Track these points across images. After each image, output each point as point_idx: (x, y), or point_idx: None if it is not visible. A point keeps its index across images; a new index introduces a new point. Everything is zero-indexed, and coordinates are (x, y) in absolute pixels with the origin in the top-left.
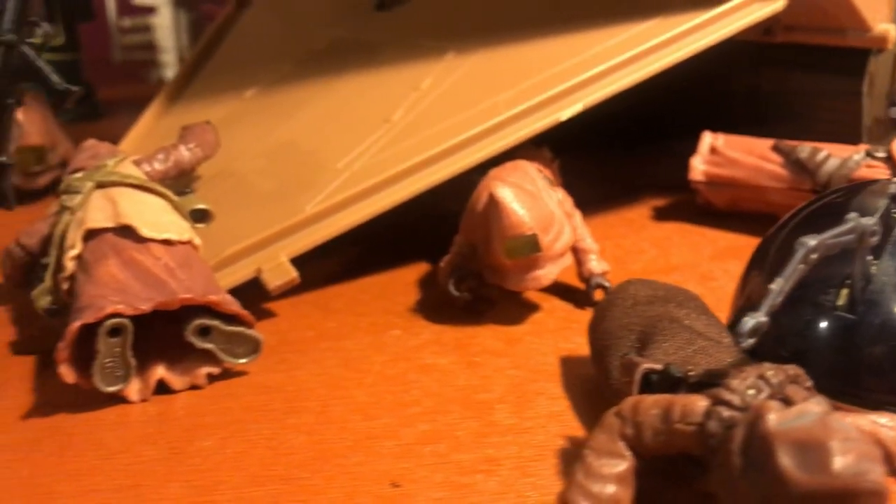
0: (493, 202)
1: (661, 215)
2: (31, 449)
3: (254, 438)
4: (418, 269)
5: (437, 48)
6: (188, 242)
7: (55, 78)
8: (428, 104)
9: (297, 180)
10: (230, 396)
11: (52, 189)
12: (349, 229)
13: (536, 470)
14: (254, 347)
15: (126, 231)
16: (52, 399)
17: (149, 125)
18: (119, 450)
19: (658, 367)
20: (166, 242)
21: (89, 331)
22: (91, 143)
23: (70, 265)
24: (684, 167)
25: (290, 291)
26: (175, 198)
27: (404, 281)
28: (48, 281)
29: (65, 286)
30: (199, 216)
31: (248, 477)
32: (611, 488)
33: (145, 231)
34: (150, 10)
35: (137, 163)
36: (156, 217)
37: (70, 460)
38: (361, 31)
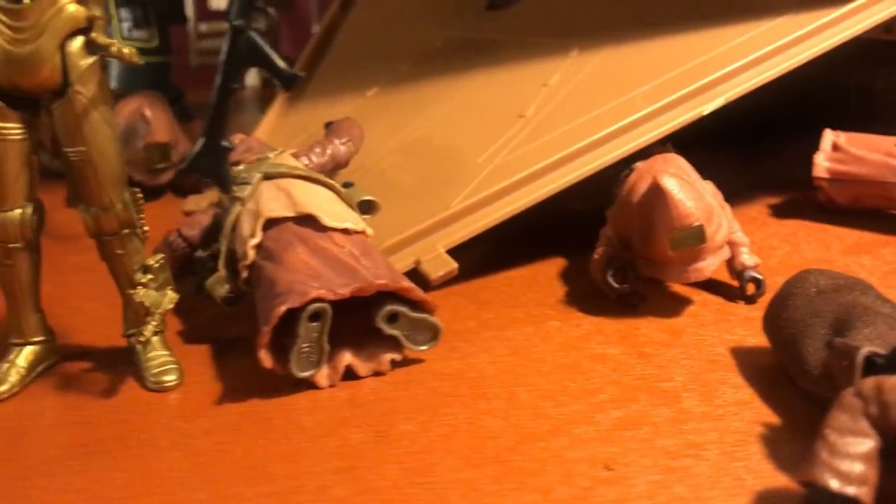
0: (659, 193)
1: (782, 212)
2: (236, 432)
3: (453, 422)
4: (555, 264)
5: (560, 45)
6: (362, 232)
7: (282, 63)
8: (560, 100)
9: (438, 175)
10: (414, 382)
11: (174, 185)
12: (498, 223)
13: (744, 455)
14: (433, 334)
15: (307, 220)
16: (238, 385)
17: (273, 123)
18: (323, 433)
19: (881, 350)
20: (345, 231)
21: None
22: (240, 137)
23: (251, 253)
24: (799, 164)
25: (439, 284)
26: (342, 189)
27: (546, 274)
28: (222, 270)
29: (244, 274)
30: (366, 207)
31: (461, 459)
32: (859, 466)
33: (327, 220)
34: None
35: (296, 156)
36: (331, 207)
37: (278, 443)
38: (475, 30)
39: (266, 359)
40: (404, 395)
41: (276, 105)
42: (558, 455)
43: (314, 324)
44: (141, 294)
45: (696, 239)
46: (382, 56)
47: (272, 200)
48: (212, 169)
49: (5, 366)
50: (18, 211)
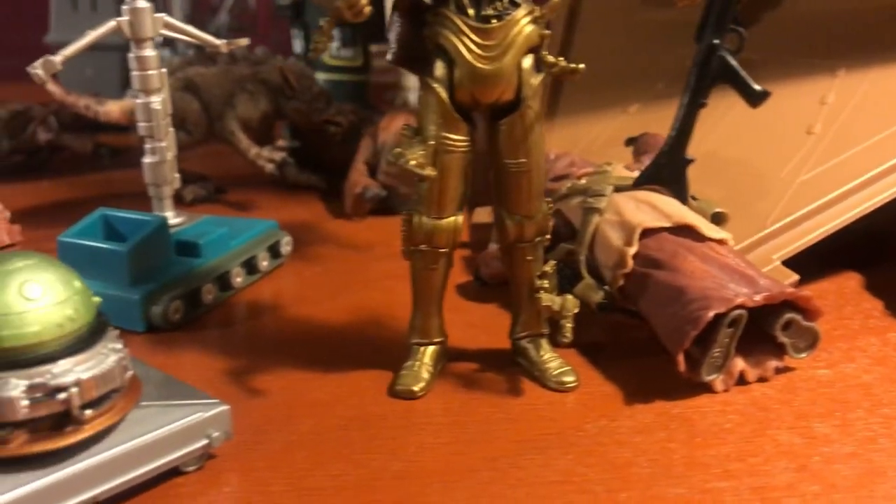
0: None
1: None
2: (667, 431)
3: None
4: (855, 279)
5: (823, 65)
6: (728, 242)
7: (752, 82)
8: (845, 119)
9: (745, 189)
10: (797, 390)
11: None
12: (818, 240)
13: None
14: (813, 342)
15: (683, 231)
16: (633, 386)
17: None
18: (750, 434)
19: None
20: (720, 242)
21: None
22: (556, 152)
23: (631, 262)
24: None
25: None
26: (692, 201)
27: (852, 289)
28: (587, 277)
29: (620, 282)
30: (717, 219)
31: None
32: None
33: (705, 230)
34: None
35: (628, 169)
36: (698, 217)
37: (710, 443)
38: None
39: (683, 362)
40: (801, 399)
41: None
42: None
43: (729, 329)
44: (545, 298)
45: None
46: (634, 74)
47: (639, 212)
48: (673, 180)
49: (416, 364)
50: (453, 219)
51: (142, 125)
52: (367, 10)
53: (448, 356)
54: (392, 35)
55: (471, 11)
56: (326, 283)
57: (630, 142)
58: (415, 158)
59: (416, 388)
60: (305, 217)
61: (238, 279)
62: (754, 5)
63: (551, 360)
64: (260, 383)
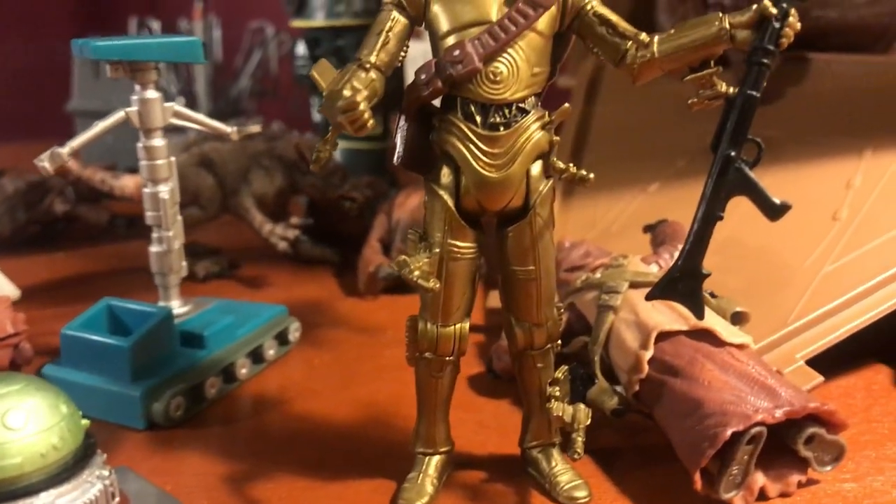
0: None
1: None
2: None
3: None
4: (878, 373)
5: (850, 144)
6: (749, 347)
7: (769, 195)
8: (872, 204)
9: (767, 279)
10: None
11: None
12: (848, 335)
13: None
14: (838, 455)
15: (702, 334)
16: (644, 500)
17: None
18: None
19: None
20: (740, 346)
21: None
22: (571, 240)
23: (646, 367)
24: None
25: None
26: (711, 299)
27: (879, 385)
28: (602, 380)
29: (636, 387)
30: (737, 319)
31: None
32: None
33: (724, 335)
34: None
35: (645, 262)
36: (717, 319)
37: None
38: None
39: (699, 481)
40: None
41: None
42: None
43: (748, 447)
44: (556, 408)
45: None
46: (654, 151)
47: (656, 312)
48: (688, 294)
49: (420, 476)
50: (459, 326)
51: (149, 214)
52: (371, 123)
53: (456, 462)
54: (398, 138)
55: (478, 119)
56: (335, 372)
57: (648, 229)
58: (418, 269)
59: None
60: (318, 294)
61: (243, 370)
62: (778, 80)
63: (563, 472)
64: (260, 492)
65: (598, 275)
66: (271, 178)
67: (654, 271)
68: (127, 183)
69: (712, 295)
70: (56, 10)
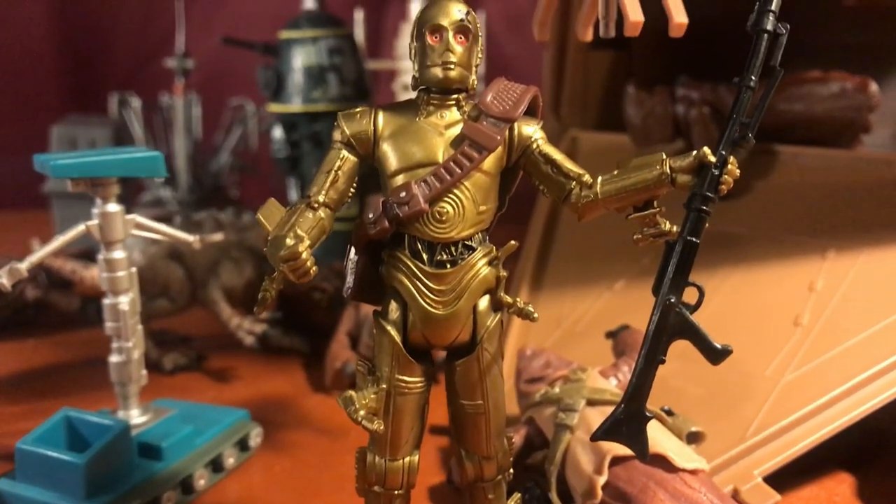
0: None
1: None
2: None
3: None
4: (840, 483)
5: (813, 244)
6: (703, 471)
7: (711, 340)
8: (834, 309)
9: (725, 387)
10: None
11: None
12: (807, 450)
13: None
14: None
15: (656, 459)
16: None
17: (519, 321)
18: None
19: None
20: (693, 472)
21: None
22: (532, 349)
23: (600, 493)
24: None
25: None
26: (667, 418)
27: (841, 497)
28: (556, 500)
29: None
30: (692, 438)
31: None
32: None
33: (677, 461)
34: None
35: (604, 374)
36: (672, 443)
37: None
38: (716, 223)
39: None
40: None
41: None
42: None
43: None
44: None
45: None
46: (619, 248)
47: None
48: (632, 435)
49: None
50: (408, 459)
51: (109, 325)
52: (314, 270)
53: None
54: (348, 271)
55: (425, 256)
56: (295, 481)
57: (610, 335)
58: (364, 406)
59: None
60: (284, 389)
61: (202, 481)
62: (746, 172)
63: None
64: None
65: (556, 389)
66: (240, 270)
67: (613, 386)
68: (97, 273)
69: (668, 412)
70: (38, 88)
